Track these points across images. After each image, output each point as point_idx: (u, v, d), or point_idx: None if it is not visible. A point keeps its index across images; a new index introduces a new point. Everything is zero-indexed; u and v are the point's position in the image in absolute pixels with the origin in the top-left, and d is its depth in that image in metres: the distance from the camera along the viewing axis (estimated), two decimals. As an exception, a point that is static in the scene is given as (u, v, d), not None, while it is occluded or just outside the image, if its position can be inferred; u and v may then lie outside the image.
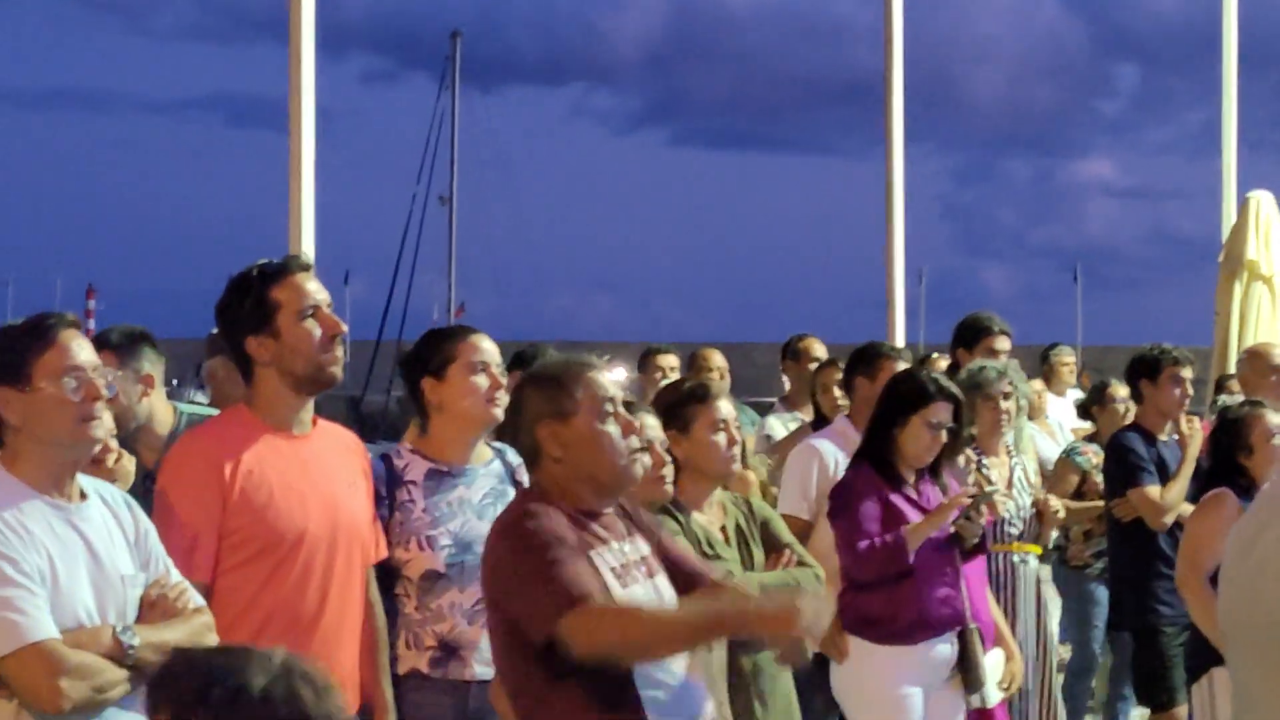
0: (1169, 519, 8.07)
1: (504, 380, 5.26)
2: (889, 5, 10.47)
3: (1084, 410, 10.71)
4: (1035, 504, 7.88)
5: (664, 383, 7.82)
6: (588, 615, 4.03)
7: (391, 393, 43.97)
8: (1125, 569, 8.32)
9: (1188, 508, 7.93)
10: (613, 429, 4.34)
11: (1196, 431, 8.27)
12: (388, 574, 5.11)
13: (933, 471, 6.80)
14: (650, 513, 4.68)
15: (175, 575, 4.15)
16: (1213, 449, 7.30)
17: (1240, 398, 8.58)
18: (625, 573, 4.27)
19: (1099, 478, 9.02)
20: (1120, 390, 9.95)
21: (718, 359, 9.72)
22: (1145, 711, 8.63)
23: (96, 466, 4.52)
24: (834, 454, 7.38)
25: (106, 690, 3.86)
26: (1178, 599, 7.88)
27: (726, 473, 5.81)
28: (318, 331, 4.69)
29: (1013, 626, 7.35)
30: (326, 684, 2.73)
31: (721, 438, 5.77)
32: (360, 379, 47.46)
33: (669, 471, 5.33)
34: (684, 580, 4.43)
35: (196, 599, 4.15)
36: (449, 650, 5.12)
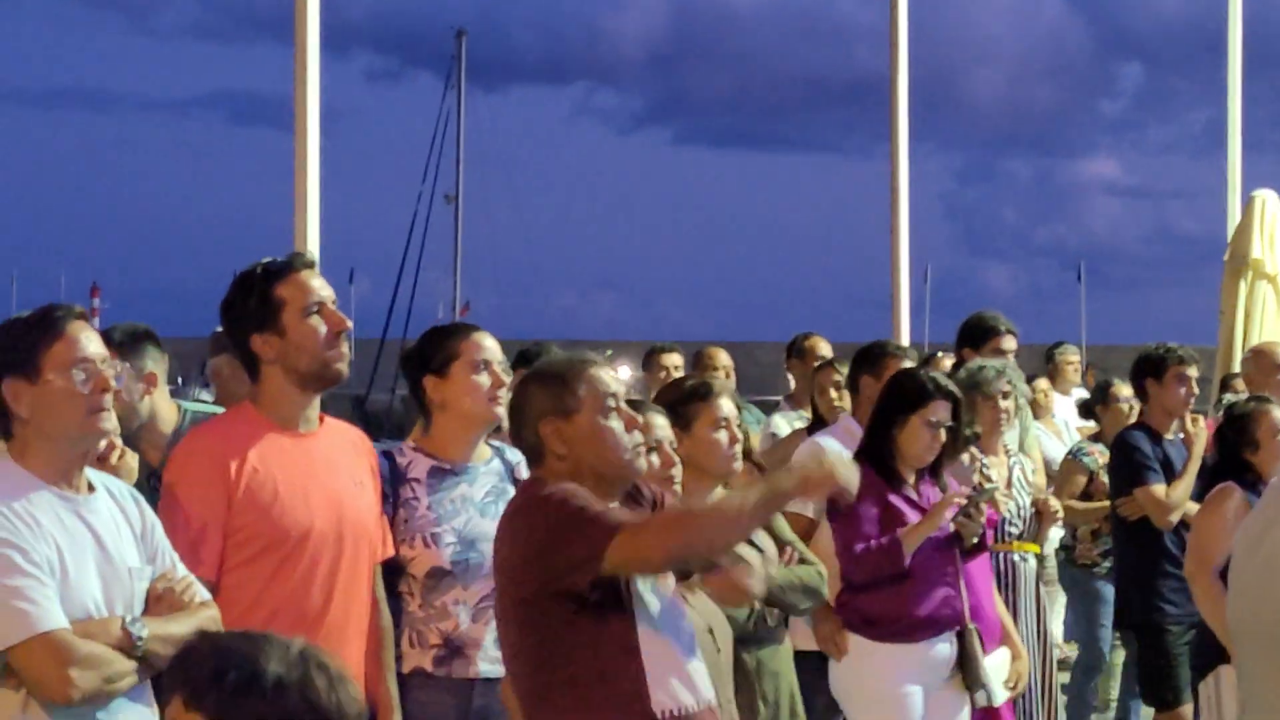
0: (1175, 517, 8.07)
1: (506, 379, 5.25)
2: (894, 5, 10.46)
3: (1087, 410, 10.71)
4: (1035, 503, 7.88)
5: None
6: (636, 532, 4.10)
7: (396, 391, 43.94)
8: (1131, 567, 8.31)
9: (1193, 506, 7.93)
10: (616, 424, 4.35)
11: (1201, 430, 8.26)
12: (391, 572, 5.11)
13: (933, 471, 6.79)
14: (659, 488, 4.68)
15: (181, 569, 4.16)
16: (1219, 445, 7.30)
17: (1245, 396, 8.58)
18: None
19: (1106, 478, 9.01)
20: (1124, 389, 9.94)
21: (723, 358, 9.72)
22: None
23: (100, 464, 4.52)
24: (838, 452, 7.37)
25: (116, 681, 3.86)
26: (1183, 597, 7.88)
27: (728, 471, 5.80)
28: (323, 328, 4.69)
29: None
30: (341, 675, 2.73)
31: (723, 435, 5.76)
32: (365, 378, 47.46)
33: (678, 472, 5.31)
34: None
35: (203, 593, 4.15)
36: (453, 648, 5.11)
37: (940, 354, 8.76)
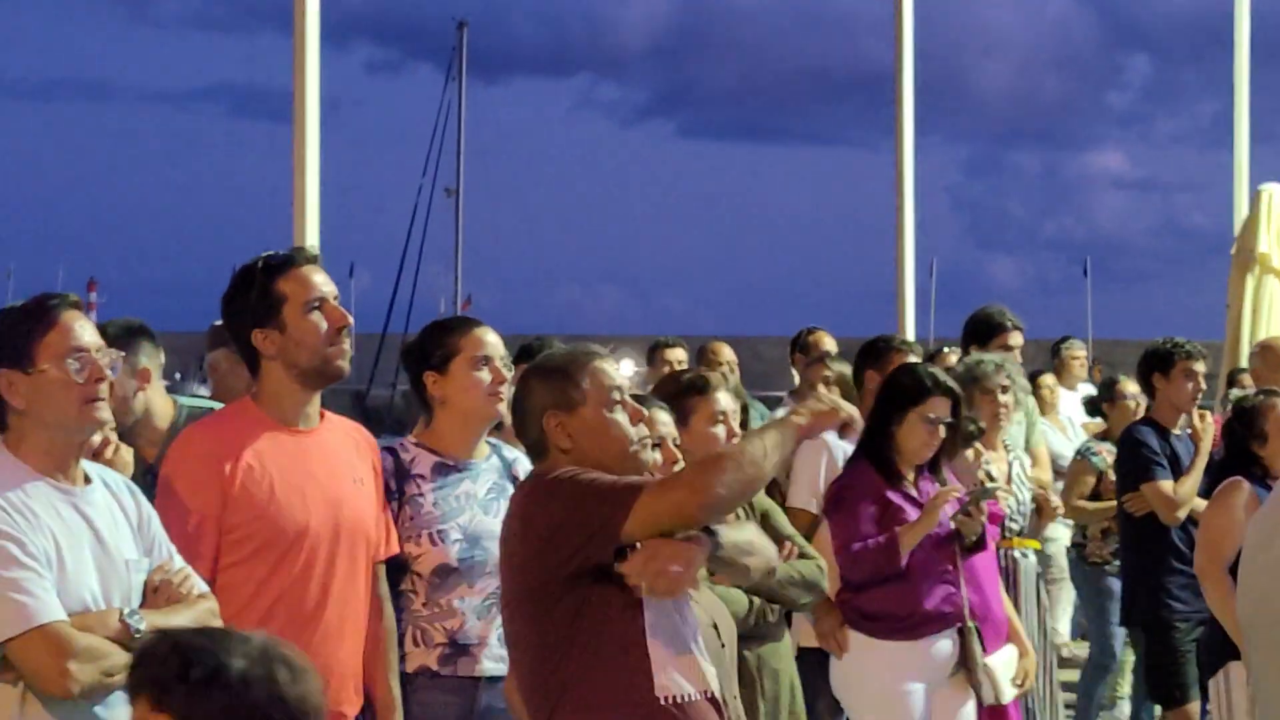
0: (1182, 513, 8.05)
1: (508, 374, 5.21)
2: (899, -4, 10.44)
3: (1094, 407, 10.67)
4: (1035, 499, 7.84)
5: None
6: (665, 486, 4.12)
7: (397, 386, 43.98)
8: (1137, 564, 8.30)
9: (1200, 503, 7.90)
10: (621, 417, 4.33)
11: (1209, 425, 8.24)
12: (393, 569, 5.07)
13: (932, 467, 6.75)
14: None
15: (178, 561, 4.13)
16: (1227, 438, 7.28)
17: (1253, 391, 8.54)
18: None
19: (1114, 476, 8.98)
20: (1130, 386, 9.91)
21: (727, 352, 9.69)
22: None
23: (95, 458, 4.48)
24: (843, 448, 7.33)
25: (115, 674, 3.83)
26: (1190, 594, 7.86)
27: None
28: (324, 324, 4.65)
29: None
30: (303, 667, 2.78)
31: (720, 430, 5.71)
32: (365, 373, 47.47)
33: (681, 468, 5.26)
34: None
35: (200, 585, 4.13)
36: (459, 647, 5.08)
37: (946, 349, 8.72)
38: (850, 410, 4.37)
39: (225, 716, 2.71)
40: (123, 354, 4.20)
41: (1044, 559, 11.49)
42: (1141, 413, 9.00)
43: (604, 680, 4.18)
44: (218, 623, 4.09)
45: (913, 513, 6.59)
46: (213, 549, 4.51)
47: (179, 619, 3.94)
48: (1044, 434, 9.55)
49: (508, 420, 5.38)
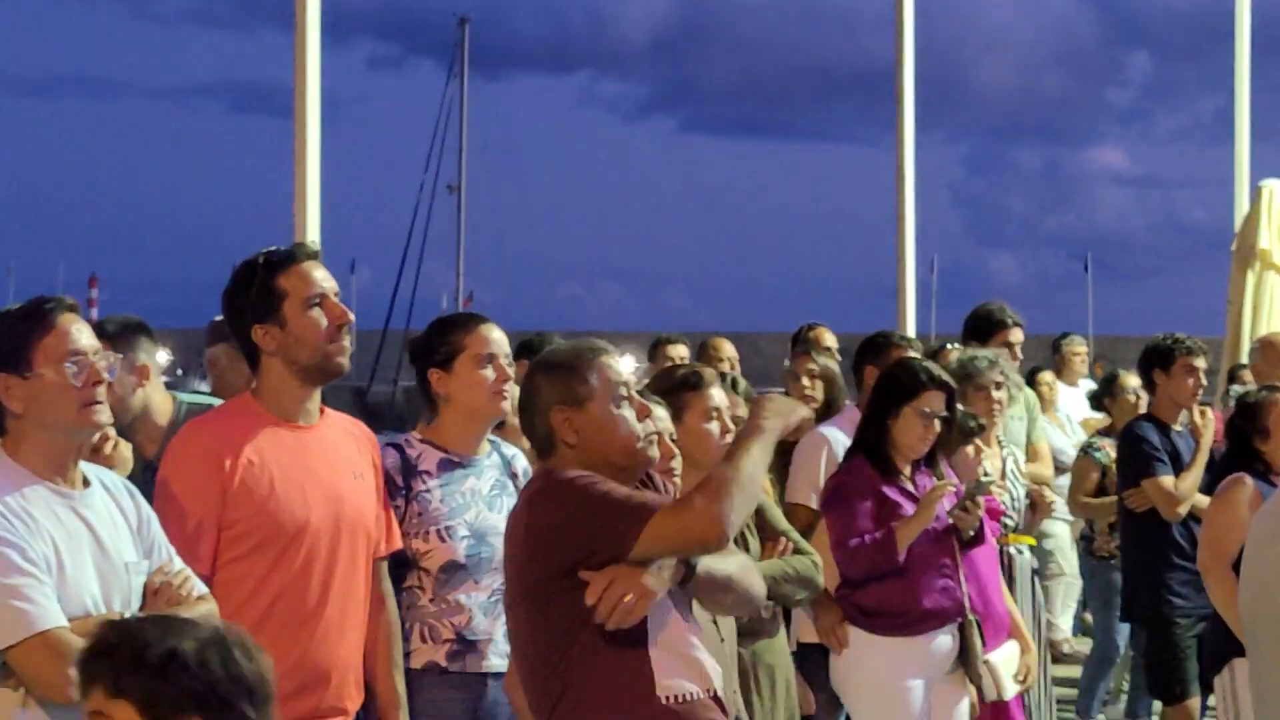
0: (1183, 509, 8.05)
1: (512, 372, 5.21)
2: (900, -7, 10.43)
3: (1097, 402, 10.68)
4: (1029, 495, 7.83)
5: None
6: (674, 512, 4.09)
7: (398, 383, 43.96)
8: (1138, 560, 8.29)
9: (1201, 499, 7.90)
10: (628, 413, 4.31)
11: (1209, 421, 8.24)
12: (398, 565, 5.07)
13: (929, 462, 6.75)
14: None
15: (178, 563, 4.13)
16: (1229, 435, 7.28)
17: (1253, 388, 8.55)
18: None
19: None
20: (1131, 380, 9.92)
21: (728, 349, 9.68)
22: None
23: (93, 455, 4.48)
24: (843, 442, 7.32)
25: None
26: (1191, 590, 7.86)
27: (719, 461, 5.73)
28: (324, 321, 4.64)
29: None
30: (256, 647, 2.81)
31: (714, 426, 5.69)
32: (366, 369, 47.45)
33: (678, 464, 5.25)
34: None
35: (200, 587, 4.12)
36: (466, 643, 5.08)
37: (949, 346, 8.72)
38: (806, 412, 4.39)
39: (185, 696, 2.74)
40: (120, 356, 4.20)
41: (1042, 555, 11.54)
42: (1143, 408, 9.00)
43: (605, 680, 4.17)
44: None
45: (909, 508, 6.59)
46: (211, 549, 4.49)
47: None
48: (1044, 431, 9.54)
49: (511, 419, 5.38)
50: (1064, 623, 12.82)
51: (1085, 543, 10.41)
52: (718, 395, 5.68)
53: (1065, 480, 10.67)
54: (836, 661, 6.69)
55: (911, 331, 9.98)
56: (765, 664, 5.85)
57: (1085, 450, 9.85)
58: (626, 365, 4.51)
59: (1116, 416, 10.00)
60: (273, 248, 4.73)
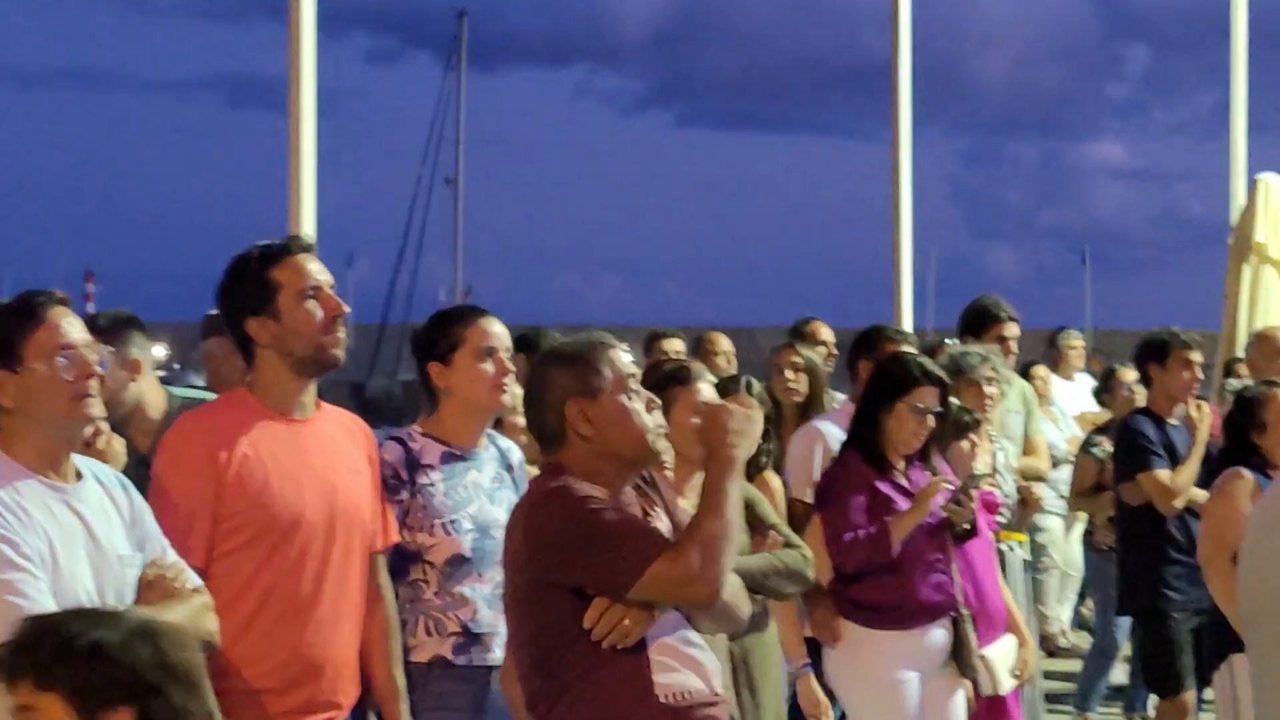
0: (1179, 503, 8.06)
1: (512, 366, 5.21)
2: (897, -13, 10.42)
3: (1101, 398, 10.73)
4: (1020, 491, 7.83)
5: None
6: (671, 565, 4.09)
7: (396, 376, 43.97)
8: (1134, 554, 8.29)
9: (1197, 492, 7.91)
10: (639, 405, 4.31)
11: (1205, 415, 8.25)
12: (403, 559, 5.08)
13: (922, 456, 6.75)
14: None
15: (171, 555, 4.13)
16: (1227, 429, 7.29)
17: (1249, 381, 8.55)
18: None
19: None
20: (1128, 375, 9.93)
21: (724, 343, 9.67)
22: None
23: (86, 448, 4.48)
24: (838, 436, 7.33)
25: None
26: (1186, 584, 7.87)
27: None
28: (319, 313, 4.64)
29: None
30: (186, 636, 2.86)
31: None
32: (365, 363, 47.46)
33: (670, 457, 5.26)
34: None
35: (194, 579, 4.12)
36: (472, 636, 5.10)
37: (947, 342, 8.73)
38: (759, 419, 4.41)
39: (114, 685, 2.75)
40: (112, 349, 4.20)
41: (1035, 548, 11.56)
42: (1140, 402, 9.01)
43: (603, 680, 4.16)
44: (213, 616, 4.10)
45: (903, 502, 6.59)
46: (206, 540, 4.49)
47: (173, 614, 3.93)
48: (1040, 426, 9.55)
49: (509, 415, 5.38)
50: (1063, 614, 12.85)
51: (1087, 535, 10.43)
52: (705, 390, 5.67)
53: (1060, 474, 10.69)
54: (831, 656, 6.69)
55: (909, 326, 9.97)
56: (755, 658, 5.85)
57: (1085, 448, 9.89)
58: (629, 358, 4.52)
59: (1115, 411, 10.02)
60: (266, 241, 4.73)
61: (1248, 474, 6.80)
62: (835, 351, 9.44)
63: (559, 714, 4.19)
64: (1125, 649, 10.28)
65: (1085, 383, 13.01)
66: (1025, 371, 10.69)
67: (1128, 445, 8.26)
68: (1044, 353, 13.04)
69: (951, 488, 6.67)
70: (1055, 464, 10.42)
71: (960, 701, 6.71)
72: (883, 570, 6.54)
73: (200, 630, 4.03)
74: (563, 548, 4.14)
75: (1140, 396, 9.19)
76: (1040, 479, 9.22)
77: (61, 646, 2.75)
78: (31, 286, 4.06)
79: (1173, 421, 8.28)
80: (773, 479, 6.49)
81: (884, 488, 6.62)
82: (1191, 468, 8.09)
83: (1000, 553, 7.62)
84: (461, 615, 5.09)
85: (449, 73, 55.13)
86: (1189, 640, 7.94)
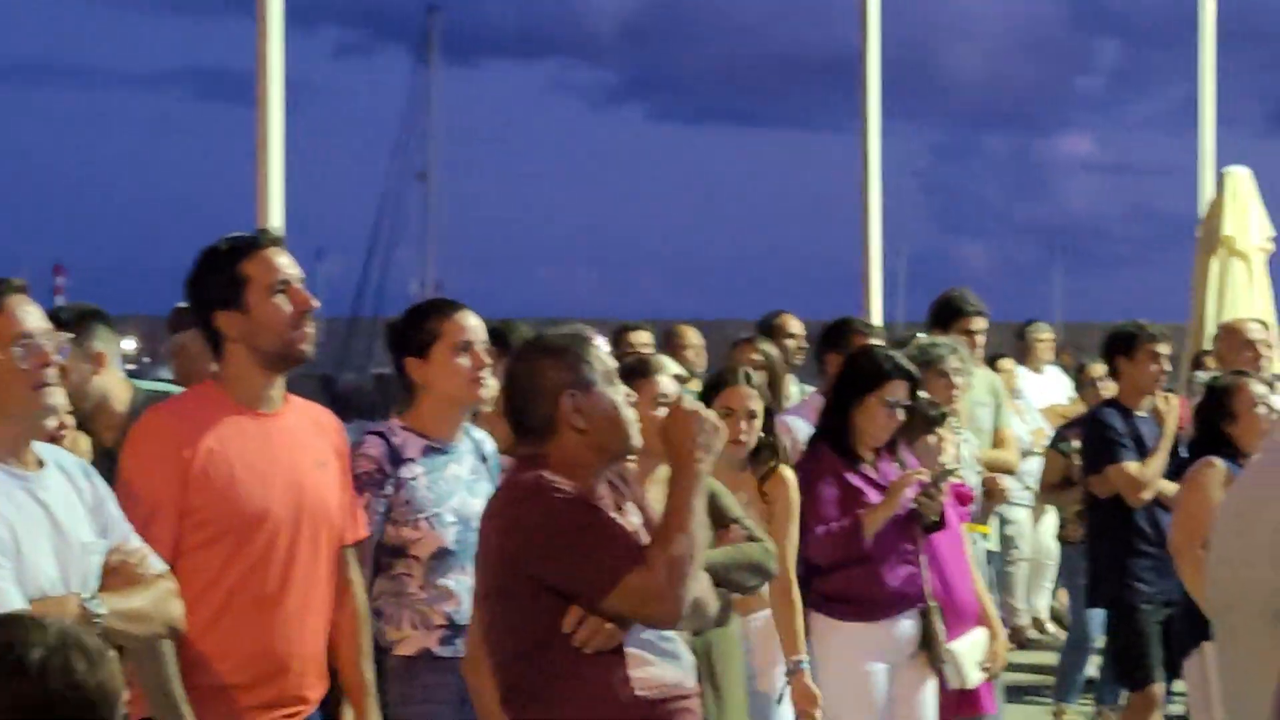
0: (1147, 494, 8.08)
1: (488, 359, 5.21)
2: (866, -19, 10.44)
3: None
4: (984, 483, 7.85)
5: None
6: (642, 580, 4.10)
7: (368, 371, 43.91)
8: (1103, 546, 8.32)
9: (1166, 484, 7.94)
10: (620, 397, 4.32)
11: (1173, 407, 8.27)
12: (387, 553, 5.09)
13: (890, 449, 6.77)
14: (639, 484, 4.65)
15: (135, 541, 4.10)
16: (1198, 419, 7.32)
17: (1218, 373, 8.58)
18: None
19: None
20: (1098, 368, 9.95)
21: (693, 336, 9.68)
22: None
23: (51, 443, 4.46)
24: (806, 430, 7.35)
25: None
26: (1155, 575, 7.90)
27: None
28: (288, 307, 4.62)
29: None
30: (101, 653, 2.84)
31: (664, 414, 5.69)
32: (335, 357, 47.39)
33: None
34: None
35: (158, 564, 4.10)
36: (457, 628, 5.12)
37: (919, 336, 8.75)
38: (724, 430, 4.43)
39: (21, 705, 2.77)
40: (71, 337, 4.17)
41: (1005, 542, 11.60)
42: (1109, 394, 9.04)
43: (583, 675, 4.17)
44: (178, 602, 4.09)
45: (873, 494, 6.61)
46: (170, 535, 4.46)
47: (137, 600, 3.94)
48: (1009, 419, 9.58)
49: (485, 407, 5.38)
50: (1040, 604, 12.89)
51: (1060, 530, 10.48)
52: (665, 383, 5.67)
53: (1027, 465, 10.73)
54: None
55: (878, 319, 10.00)
56: (717, 653, 5.85)
57: (1053, 443, 9.94)
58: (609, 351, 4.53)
59: (1087, 404, 10.05)
60: (236, 234, 4.71)
61: (1219, 463, 6.83)
62: (805, 344, 9.46)
63: (537, 708, 4.20)
64: (1101, 641, 10.32)
65: (1054, 375, 13.06)
66: (991, 364, 10.73)
67: (1095, 438, 8.28)
68: (1013, 345, 13.08)
69: (924, 481, 6.69)
70: (1022, 455, 10.45)
71: (930, 693, 6.73)
72: (853, 562, 6.56)
73: (165, 616, 4.02)
74: (541, 545, 4.15)
75: (1108, 389, 9.21)
76: (1009, 471, 9.26)
77: None
78: (-1, 280, 4.03)
79: (1140, 413, 8.30)
80: (787, 473, 6.48)
81: (854, 480, 6.65)
82: (1159, 459, 8.11)
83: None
84: (446, 608, 5.11)
85: (420, 66, 55.08)
86: (1158, 632, 7.96)
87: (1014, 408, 11.33)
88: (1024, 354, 12.78)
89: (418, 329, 5.23)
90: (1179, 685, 7.68)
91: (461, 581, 5.10)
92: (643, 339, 9.39)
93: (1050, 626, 12.76)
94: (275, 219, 6.80)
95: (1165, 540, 7.55)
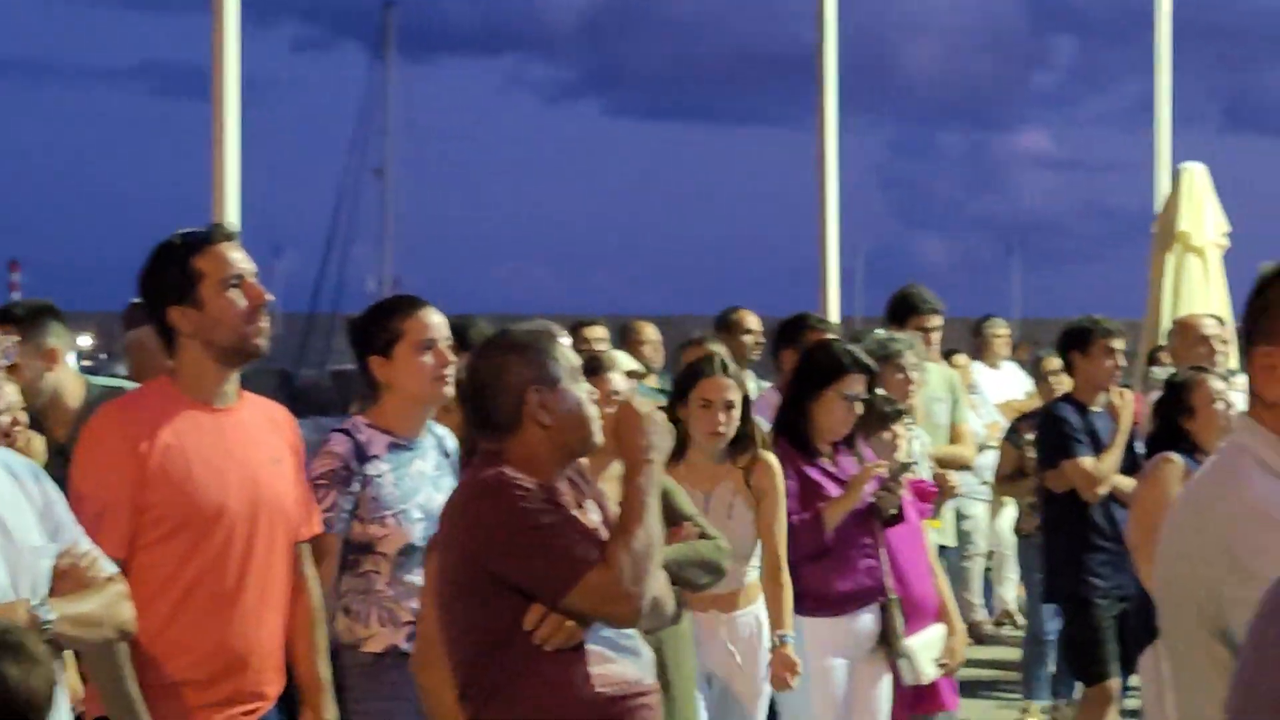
0: (1102, 489, 8.10)
1: (453, 356, 5.20)
2: (823, -24, 10.46)
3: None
4: (935, 478, 7.89)
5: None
6: (601, 578, 4.11)
7: (326, 367, 43.77)
8: (1058, 541, 8.33)
9: (1121, 479, 7.97)
10: (584, 394, 4.31)
11: (1128, 402, 8.29)
12: (356, 550, 5.07)
13: (848, 443, 6.78)
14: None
15: (85, 543, 4.06)
16: (1157, 414, 7.33)
17: (1174, 369, 8.62)
18: None
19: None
20: (1054, 363, 9.97)
21: (650, 332, 9.68)
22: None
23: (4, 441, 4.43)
24: (764, 426, 7.35)
25: None
26: (1110, 570, 7.92)
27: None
28: (242, 302, 4.60)
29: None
30: (34, 658, 2.86)
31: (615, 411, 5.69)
32: (293, 353, 47.25)
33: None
34: None
35: (109, 567, 4.07)
36: None
37: (876, 332, 8.78)
38: (670, 430, 4.43)
39: None
40: (16, 339, 4.14)
41: (962, 537, 11.63)
42: (1064, 389, 9.06)
43: (543, 672, 4.17)
44: (128, 605, 4.05)
45: (832, 488, 6.62)
46: (123, 533, 4.44)
47: (88, 604, 3.90)
48: (966, 415, 9.60)
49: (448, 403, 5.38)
50: (1008, 595, 12.92)
51: (1017, 523, 10.51)
52: (617, 380, 5.67)
53: (983, 460, 10.76)
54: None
55: (835, 315, 10.02)
56: (669, 650, 5.85)
57: (1008, 436, 9.97)
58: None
59: (1044, 399, 10.08)
60: (188, 229, 4.69)
61: (1177, 459, 6.84)
62: (762, 340, 9.47)
63: (497, 705, 4.19)
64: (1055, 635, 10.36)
65: (1011, 370, 13.09)
66: (947, 359, 10.76)
67: (1051, 432, 8.30)
68: (970, 341, 13.12)
69: (883, 475, 6.70)
70: (979, 450, 10.49)
71: (886, 687, 6.74)
72: (812, 557, 6.57)
73: (116, 620, 3.99)
74: (502, 543, 4.14)
75: (1063, 385, 9.24)
76: (965, 466, 9.28)
77: None
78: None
79: (1095, 409, 8.32)
80: (770, 459, 6.49)
81: (813, 474, 6.66)
82: (1114, 454, 8.13)
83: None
84: (413, 604, 5.11)
85: (377, 62, 54.96)
86: (1113, 627, 7.98)
87: (969, 403, 11.38)
88: (981, 349, 12.82)
89: (381, 327, 5.22)
90: (1135, 680, 7.71)
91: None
92: (597, 334, 9.38)
93: (1020, 619, 12.80)
94: (232, 215, 6.78)
95: (1121, 535, 7.57)
